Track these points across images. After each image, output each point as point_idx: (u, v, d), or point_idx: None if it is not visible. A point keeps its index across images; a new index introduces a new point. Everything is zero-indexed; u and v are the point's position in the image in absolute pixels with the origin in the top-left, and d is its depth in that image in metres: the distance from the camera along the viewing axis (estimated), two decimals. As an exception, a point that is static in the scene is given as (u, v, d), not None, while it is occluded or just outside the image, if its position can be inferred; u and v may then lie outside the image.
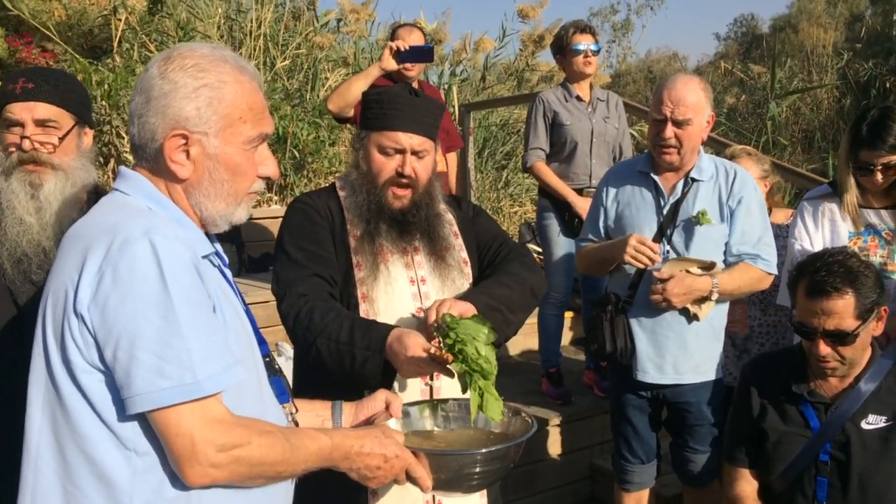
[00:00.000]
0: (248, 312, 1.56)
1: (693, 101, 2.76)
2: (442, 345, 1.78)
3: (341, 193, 2.21)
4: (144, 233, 1.29)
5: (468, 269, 2.23)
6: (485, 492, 2.24)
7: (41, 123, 2.01)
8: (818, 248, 2.82)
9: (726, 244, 2.85)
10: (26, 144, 1.99)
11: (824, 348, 2.26)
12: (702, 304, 2.78)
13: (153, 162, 1.43)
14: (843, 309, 2.22)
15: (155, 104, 1.40)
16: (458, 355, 1.75)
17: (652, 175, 2.91)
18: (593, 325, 2.90)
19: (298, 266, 2.07)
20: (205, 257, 1.43)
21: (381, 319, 2.05)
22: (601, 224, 3.02)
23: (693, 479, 3.01)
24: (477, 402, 1.75)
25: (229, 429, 1.30)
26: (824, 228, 2.92)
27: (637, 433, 3.02)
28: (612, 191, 2.99)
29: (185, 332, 1.27)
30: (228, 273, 1.54)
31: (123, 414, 1.29)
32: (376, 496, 2.03)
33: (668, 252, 2.83)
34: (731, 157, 3.33)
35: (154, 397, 1.26)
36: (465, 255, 2.24)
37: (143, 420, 1.30)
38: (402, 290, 2.10)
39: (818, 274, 2.25)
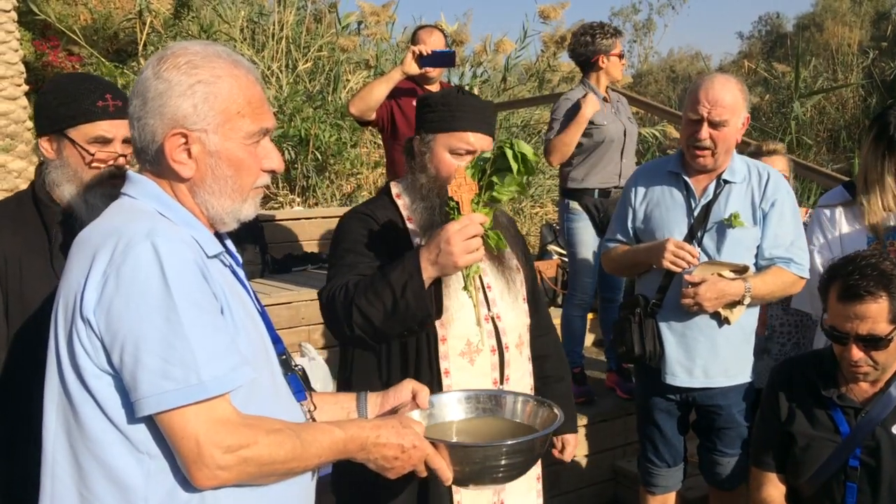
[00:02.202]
0: (262, 312, 1.55)
1: (730, 102, 2.71)
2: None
3: (400, 202, 2.16)
4: (146, 235, 1.29)
5: (520, 277, 2.22)
6: (541, 482, 2.24)
7: (126, 141, 2.03)
8: (836, 253, 2.78)
9: (758, 247, 2.80)
10: (121, 161, 2.01)
11: (857, 353, 2.22)
12: (733, 308, 2.74)
13: (156, 164, 1.42)
14: (876, 313, 2.18)
15: (152, 105, 1.38)
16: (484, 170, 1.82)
17: (683, 176, 2.86)
18: (621, 327, 2.87)
19: (353, 270, 2.02)
20: (213, 257, 1.42)
21: (453, 327, 2.04)
22: (629, 225, 2.97)
23: (721, 483, 2.98)
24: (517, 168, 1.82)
25: (235, 429, 1.29)
26: (842, 234, 2.87)
27: (664, 436, 2.99)
28: (641, 191, 2.94)
29: (188, 333, 1.26)
30: (241, 272, 1.53)
31: (133, 417, 1.29)
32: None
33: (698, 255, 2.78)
34: (771, 153, 3.27)
35: (159, 399, 1.25)
36: (515, 261, 2.23)
37: (154, 422, 1.29)
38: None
39: (851, 277, 2.20)
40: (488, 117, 2.10)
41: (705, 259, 2.78)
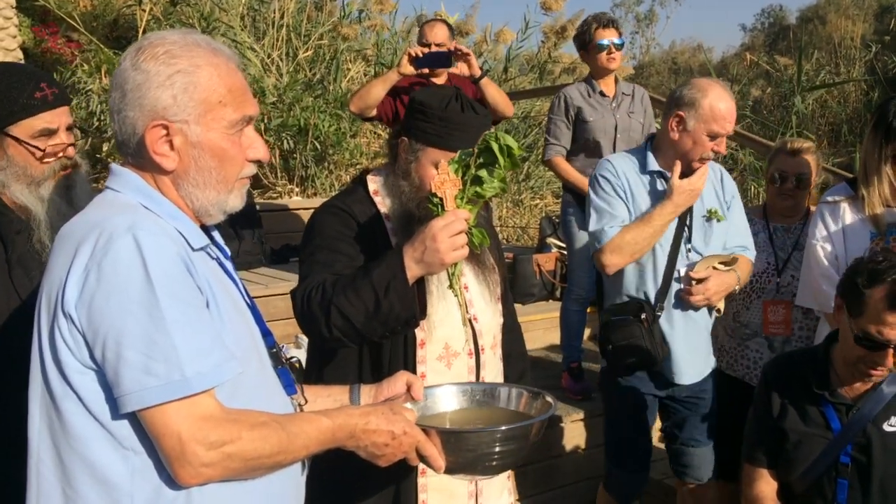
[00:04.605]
0: (251, 305, 1.53)
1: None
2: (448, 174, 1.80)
3: (377, 198, 2.08)
4: (128, 229, 1.26)
5: (496, 277, 2.18)
6: (512, 481, 2.22)
7: (69, 128, 1.96)
8: (840, 249, 2.78)
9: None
10: (70, 152, 1.93)
11: (892, 360, 2.17)
12: (722, 299, 2.86)
13: (138, 157, 1.39)
14: None
15: (131, 97, 1.35)
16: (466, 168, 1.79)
17: (667, 174, 2.81)
18: (630, 334, 2.75)
19: (329, 268, 1.94)
20: (199, 250, 1.40)
21: (437, 331, 2.00)
22: (630, 210, 2.85)
23: (699, 475, 3.00)
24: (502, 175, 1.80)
25: (218, 425, 1.26)
26: (845, 228, 2.87)
27: (648, 438, 3.02)
28: (626, 184, 2.87)
29: (171, 328, 1.24)
30: (229, 265, 1.51)
31: (117, 413, 1.26)
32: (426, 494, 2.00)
33: (688, 252, 2.81)
34: (797, 153, 3.24)
35: (142, 396, 1.23)
36: (490, 259, 2.18)
37: (138, 419, 1.27)
38: (452, 299, 1.99)
39: None
40: (483, 131, 2.00)
41: (697, 256, 2.81)
